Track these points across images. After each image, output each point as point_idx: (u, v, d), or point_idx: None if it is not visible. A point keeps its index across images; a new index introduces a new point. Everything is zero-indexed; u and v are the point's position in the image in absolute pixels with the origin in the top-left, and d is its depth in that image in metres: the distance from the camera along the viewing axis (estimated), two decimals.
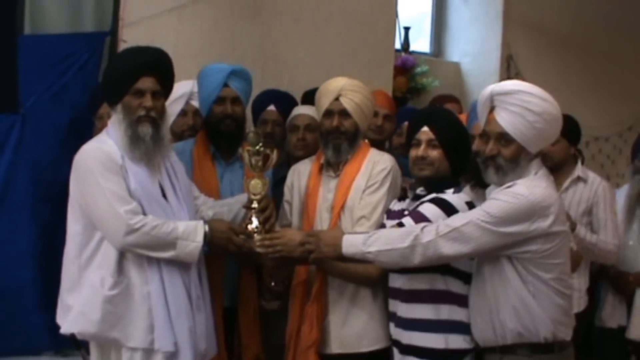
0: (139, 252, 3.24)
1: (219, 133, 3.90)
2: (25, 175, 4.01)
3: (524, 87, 3.19)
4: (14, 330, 3.94)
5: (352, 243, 3.25)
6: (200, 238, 3.30)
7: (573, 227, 4.25)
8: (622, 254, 4.67)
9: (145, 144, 3.32)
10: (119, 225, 3.20)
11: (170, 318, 3.25)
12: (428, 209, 3.34)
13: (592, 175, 4.68)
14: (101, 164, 3.26)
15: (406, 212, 3.44)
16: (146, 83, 3.32)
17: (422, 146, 3.43)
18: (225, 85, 3.89)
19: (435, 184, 3.42)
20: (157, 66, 3.37)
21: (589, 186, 4.61)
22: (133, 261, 3.26)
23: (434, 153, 3.41)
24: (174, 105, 4.15)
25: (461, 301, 3.35)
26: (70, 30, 4.28)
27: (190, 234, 3.29)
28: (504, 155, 3.19)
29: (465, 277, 3.36)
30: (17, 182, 3.99)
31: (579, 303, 4.53)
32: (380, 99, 4.44)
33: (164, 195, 3.38)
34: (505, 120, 3.16)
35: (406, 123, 4.19)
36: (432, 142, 3.42)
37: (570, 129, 4.48)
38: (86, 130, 4.01)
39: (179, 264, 3.32)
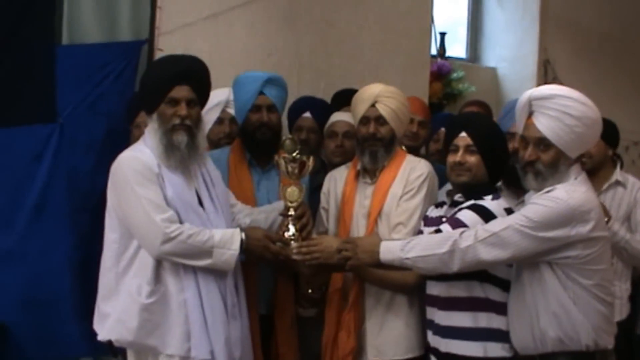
0: (176, 261, 3.25)
1: (254, 141, 3.89)
2: (62, 184, 4.02)
3: (563, 91, 3.17)
4: (52, 338, 3.96)
5: (389, 249, 3.23)
6: (236, 246, 3.29)
7: (608, 219, 4.17)
8: None
9: (180, 152, 3.32)
10: (155, 234, 3.21)
11: (207, 326, 3.26)
12: (466, 215, 3.32)
13: (632, 180, 4.60)
14: (138, 172, 3.27)
15: (444, 219, 3.42)
16: (181, 92, 3.33)
17: (460, 152, 3.40)
18: (261, 93, 3.88)
19: (473, 190, 3.40)
20: (191, 74, 3.37)
21: (628, 191, 4.52)
22: (169, 269, 3.27)
23: (472, 159, 3.38)
24: (210, 114, 4.16)
25: (500, 309, 3.32)
26: (107, 40, 4.30)
27: (227, 242, 3.29)
28: (543, 160, 3.17)
29: (504, 285, 3.34)
30: (55, 191, 4.00)
31: (621, 311, 4.46)
32: (415, 106, 4.41)
33: (201, 203, 3.39)
34: (544, 125, 3.13)
35: (443, 129, 4.16)
36: (469, 148, 3.40)
37: (608, 132, 4.42)
38: (123, 139, 4.02)
39: (215, 272, 3.32)
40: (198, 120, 3.41)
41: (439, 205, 3.59)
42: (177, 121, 3.32)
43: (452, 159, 3.43)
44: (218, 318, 3.29)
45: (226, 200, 3.56)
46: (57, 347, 3.98)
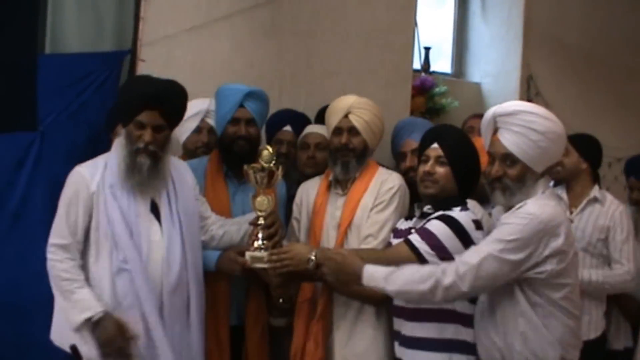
0: None
1: (231, 153, 3.91)
2: (42, 192, 4.05)
3: (526, 107, 3.20)
4: (29, 346, 3.97)
5: (373, 277, 3.19)
6: (79, 319, 3.26)
7: None
8: None
9: (140, 175, 3.36)
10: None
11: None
12: (435, 225, 3.33)
13: (609, 198, 4.55)
14: (71, 188, 3.37)
15: (413, 231, 3.42)
16: (148, 117, 3.34)
17: (430, 162, 3.44)
18: (241, 106, 3.91)
19: (442, 202, 3.41)
20: (162, 100, 3.36)
21: (605, 209, 4.47)
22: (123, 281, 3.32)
23: (441, 170, 3.41)
24: (189, 122, 4.18)
25: (466, 320, 3.34)
26: (89, 50, 4.33)
27: (80, 308, 3.27)
28: (509, 175, 3.18)
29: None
30: (35, 198, 4.04)
31: (597, 327, 4.44)
32: None
33: (157, 216, 3.42)
34: (509, 141, 3.15)
35: None
36: (440, 159, 3.43)
37: (585, 145, 4.44)
38: (104, 147, 4.01)
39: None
40: (164, 144, 3.43)
41: (409, 217, 3.61)
42: (141, 145, 3.35)
43: (422, 169, 3.46)
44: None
45: (194, 213, 3.56)
46: (34, 355, 3.97)
